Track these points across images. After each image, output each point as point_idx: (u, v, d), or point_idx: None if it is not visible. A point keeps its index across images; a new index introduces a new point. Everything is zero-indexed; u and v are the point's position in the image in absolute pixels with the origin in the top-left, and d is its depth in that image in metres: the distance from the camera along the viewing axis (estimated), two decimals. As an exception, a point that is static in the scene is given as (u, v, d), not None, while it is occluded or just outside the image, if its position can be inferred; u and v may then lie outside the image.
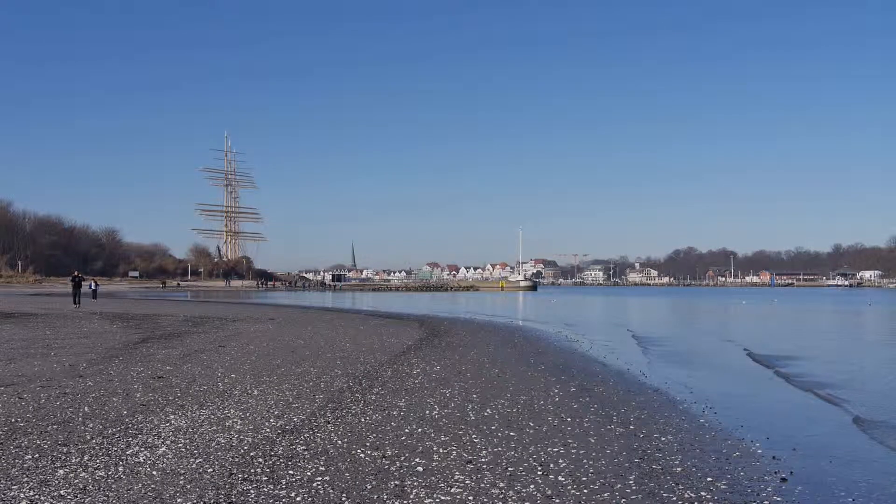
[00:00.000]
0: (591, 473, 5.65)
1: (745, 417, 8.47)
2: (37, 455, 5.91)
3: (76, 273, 37.76)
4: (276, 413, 7.83)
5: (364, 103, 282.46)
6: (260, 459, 5.89)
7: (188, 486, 5.13)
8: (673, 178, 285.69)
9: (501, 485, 5.28)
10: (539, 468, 5.76)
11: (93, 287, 43.91)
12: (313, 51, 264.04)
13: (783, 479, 5.69)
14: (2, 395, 8.67)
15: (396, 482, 5.33)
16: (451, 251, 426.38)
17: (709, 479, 5.61)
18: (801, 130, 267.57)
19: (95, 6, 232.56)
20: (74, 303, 33.60)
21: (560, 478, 5.50)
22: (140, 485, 5.16)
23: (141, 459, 5.83)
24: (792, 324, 32.59)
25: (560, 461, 5.99)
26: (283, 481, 5.30)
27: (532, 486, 5.26)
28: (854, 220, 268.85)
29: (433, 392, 9.45)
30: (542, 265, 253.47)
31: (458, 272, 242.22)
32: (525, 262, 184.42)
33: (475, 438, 6.76)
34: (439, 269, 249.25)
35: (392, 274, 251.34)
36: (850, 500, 5.31)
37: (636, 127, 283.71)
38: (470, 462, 5.92)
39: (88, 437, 6.55)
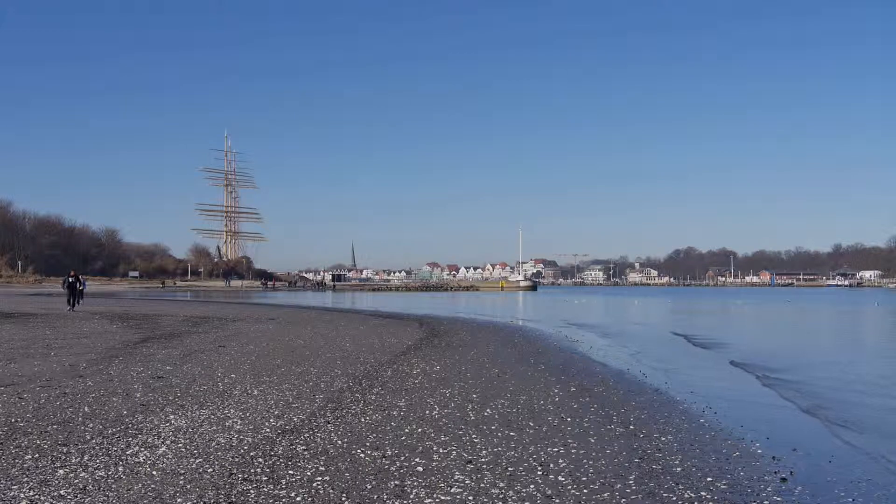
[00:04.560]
0: (591, 473, 5.65)
1: (745, 418, 8.48)
2: (37, 455, 5.91)
3: (72, 273, 31.92)
4: (276, 413, 7.83)
5: (364, 103, 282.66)
6: (260, 459, 5.89)
7: (188, 486, 5.13)
8: (673, 178, 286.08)
9: (501, 485, 5.28)
10: (539, 468, 5.76)
11: (79, 286, 33.10)
12: (313, 51, 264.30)
13: (783, 479, 5.69)
14: (2, 395, 8.66)
15: (396, 482, 5.33)
16: (451, 251, 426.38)
17: (709, 479, 5.61)
18: (801, 130, 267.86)
19: (95, 6, 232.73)
20: (69, 304, 30.02)
21: (560, 478, 5.51)
22: (140, 485, 5.16)
23: (141, 459, 5.83)
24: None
25: (560, 461, 5.99)
26: (283, 481, 5.30)
27: (532, 486, 5.26)
28: (854, 220, 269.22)
29: (433, 392, 9.45)
30: (542, 265, 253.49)
31: (458, 272, 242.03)
32: (525, 262, 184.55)
33: (475, 438, 6.76)
34: (439, 269, 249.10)
35: (392, 274, 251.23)
36: (850, 500, 5.30)
37: (636, 127, 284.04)
38: (470, 462, 5.92)
39: (88, 437, 6.54)
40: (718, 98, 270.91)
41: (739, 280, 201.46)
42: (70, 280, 30.95)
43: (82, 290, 33.58)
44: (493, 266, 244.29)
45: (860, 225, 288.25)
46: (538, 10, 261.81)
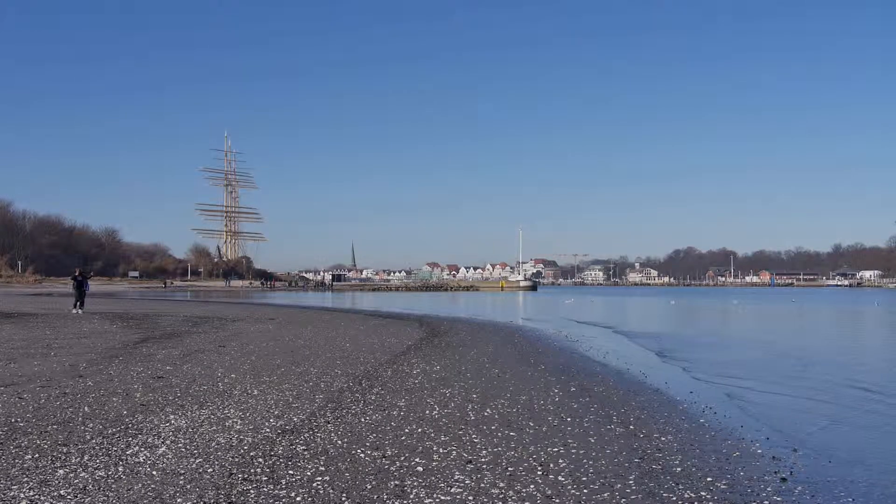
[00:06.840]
0: (591, 473, 5.65)
1: (745, 418, 8.48)
2: (37, 455, 5.91)
3: (78, 271, 30.30)
4: (276, 413, 7.83)
5: (364, 103, 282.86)
6: (260, 459, 5.89)
7: (188, 486, 5.13)
8: (673, 178, 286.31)
9: (501, 485, 5.28)
10: (539, 468, 5.76)
11: (85, 288, 30.17)
12: (313, 51, 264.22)
13: (783, 479, 5.69)
14: (2, 395, 8.66)
15: (396, 482, 5.33)
16: (451, 251, 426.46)
17: (709, 479, 5.61)
18: (801, 130, 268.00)
19: (95, 6, 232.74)
20: (75, 307, 28.13)
21: (560, 478, 5.50)
22: (140, 485, 5.16)
23: (141, 459, 5.82)
24: None
25: (560, 461, 5.99)
26: (283, 481, 5.30)
27: (532, 486, 5.26)
28: (854, 220, 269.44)
29: (433, 392, 9.45)
30: (542, 265, 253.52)
31: (458, 272, 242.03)
32: (525, 262, 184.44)
33: (475, 438, 6.76)
34: (439, 269, 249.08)
35: (392, 274, 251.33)
36: (850, 500, 5.31)
37: (636, 127, 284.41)
38: (470, 462, 5.92)
39: (88, 437, 6.54)
40: (718, 98, 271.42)
41: (739, 280, 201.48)
42: (78, 279, 29.25)
43: (86, 290, 30.45)
44: (493, 266, 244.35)
45: (860, 225, 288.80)
46: (538, 10, 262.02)
